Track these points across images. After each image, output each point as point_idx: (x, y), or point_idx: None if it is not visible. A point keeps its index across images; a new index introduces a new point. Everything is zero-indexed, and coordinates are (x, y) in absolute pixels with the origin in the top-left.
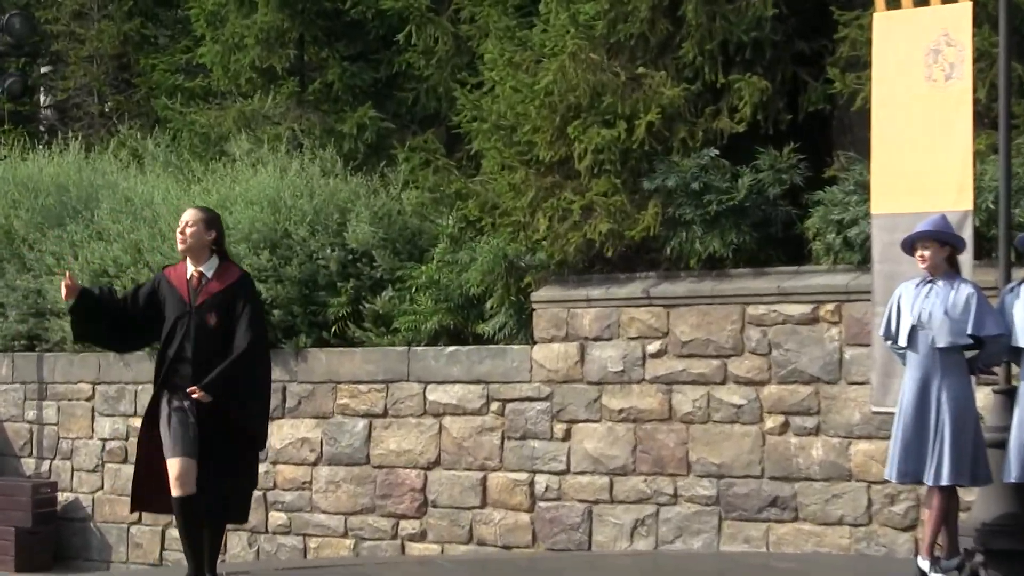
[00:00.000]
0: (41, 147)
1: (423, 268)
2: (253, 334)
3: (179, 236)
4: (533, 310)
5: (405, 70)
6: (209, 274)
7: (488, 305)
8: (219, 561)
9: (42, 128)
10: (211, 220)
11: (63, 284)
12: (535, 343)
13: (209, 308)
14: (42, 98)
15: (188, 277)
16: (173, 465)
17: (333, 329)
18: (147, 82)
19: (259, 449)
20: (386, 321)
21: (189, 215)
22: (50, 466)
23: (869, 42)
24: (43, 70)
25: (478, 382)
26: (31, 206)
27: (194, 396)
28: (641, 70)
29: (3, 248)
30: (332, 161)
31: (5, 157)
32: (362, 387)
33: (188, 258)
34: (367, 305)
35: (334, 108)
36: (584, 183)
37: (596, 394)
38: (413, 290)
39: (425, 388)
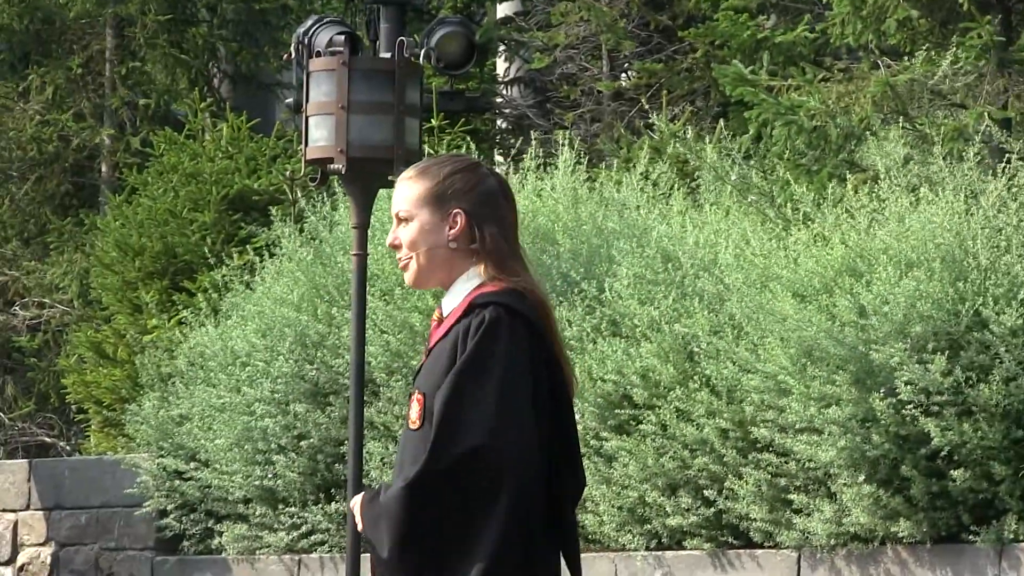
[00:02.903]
0: (505, 162)
1: None
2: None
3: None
4: None
5: None
6: (447, 311)
7: None
8: None
9: (503, 123)
10: (444, 193)
11: None
12: None
13: (418, 388)
14: (501, 67)
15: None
16: None
17: None
18: (705, 34)
19: None
20: None
21: (401, 191)
22: None
23: None
24: (503, 11)
25: None
26: None
27: None
28: None
29: None
30: None
31: None
32: None
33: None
34: None
35: None
36: None
37: None
38: None
39: None
